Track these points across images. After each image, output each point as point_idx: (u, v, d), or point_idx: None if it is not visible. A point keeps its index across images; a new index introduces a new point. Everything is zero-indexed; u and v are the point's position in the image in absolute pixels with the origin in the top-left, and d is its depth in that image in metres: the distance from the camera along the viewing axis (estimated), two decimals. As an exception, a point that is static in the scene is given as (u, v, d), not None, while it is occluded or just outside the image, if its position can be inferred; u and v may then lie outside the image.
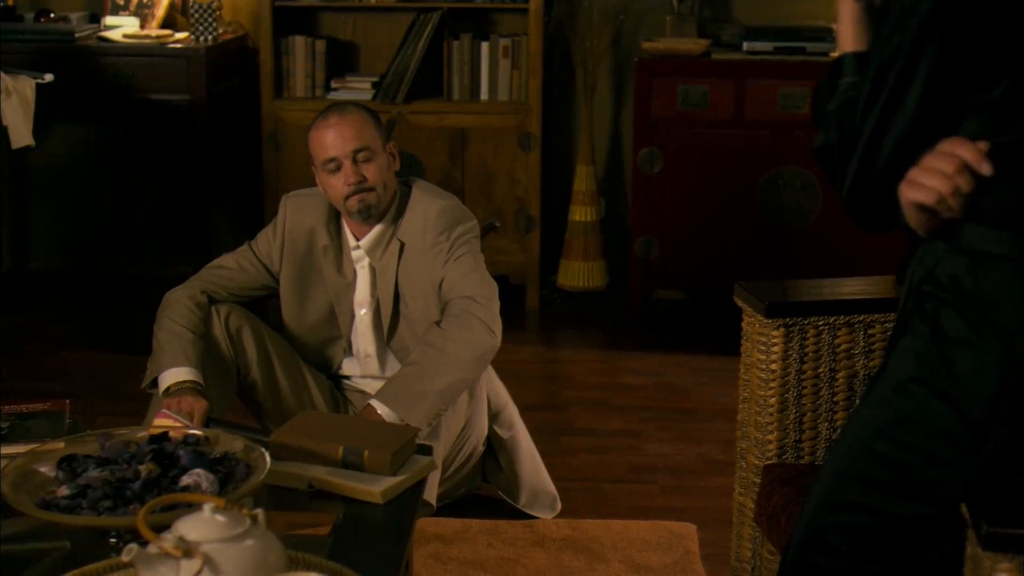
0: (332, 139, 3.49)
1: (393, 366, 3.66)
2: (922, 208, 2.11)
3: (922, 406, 2.23)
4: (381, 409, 3.32)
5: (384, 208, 3.57)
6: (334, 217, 3.61)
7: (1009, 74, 2.12)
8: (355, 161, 3.48)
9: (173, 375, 3.42)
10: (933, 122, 2.13)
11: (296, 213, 3.66)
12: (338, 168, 3.49)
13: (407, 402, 3.34)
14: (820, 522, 2.34)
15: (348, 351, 3.73)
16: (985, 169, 2.06)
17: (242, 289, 3.68)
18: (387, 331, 3.64)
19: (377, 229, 3.59)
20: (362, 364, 3.73)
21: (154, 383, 3.47)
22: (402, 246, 3.57)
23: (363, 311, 3.65)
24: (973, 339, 2.17)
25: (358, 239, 3.61)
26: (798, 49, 5.44)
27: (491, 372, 3.73)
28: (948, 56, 2.13)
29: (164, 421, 3.01)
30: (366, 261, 3.62)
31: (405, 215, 3.59)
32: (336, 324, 3.68)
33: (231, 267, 3.68)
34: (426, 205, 3.58)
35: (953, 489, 2.20)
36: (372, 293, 3.63)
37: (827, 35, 5.47)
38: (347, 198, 3.51)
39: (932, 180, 2.07)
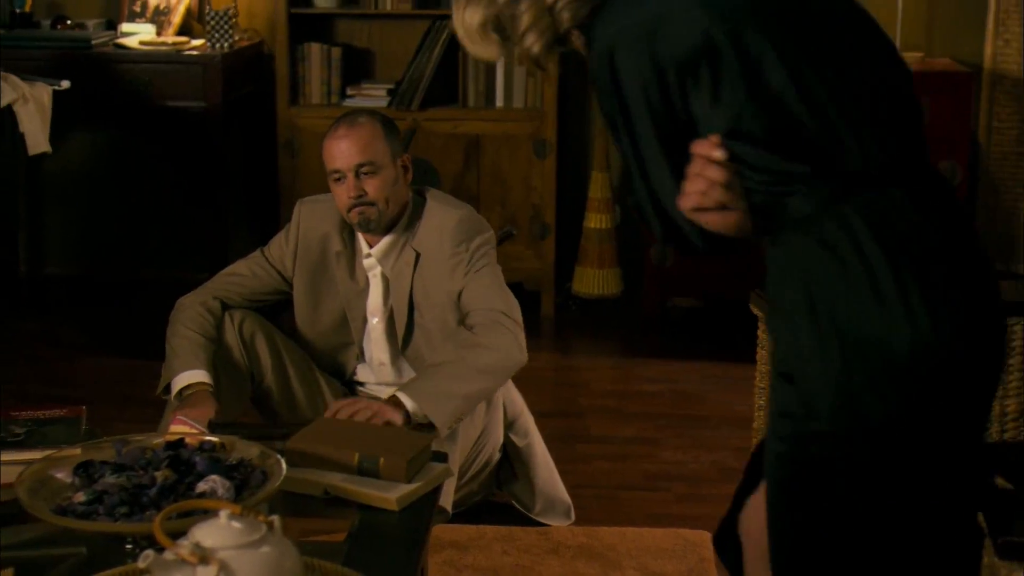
0: (338, 151, 3.50)
1: (408, 374, 3.66)
2: (709, 211, 2.13)
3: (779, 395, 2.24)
4: (407, 402, 3.30)
5: (388, 221, 3.57)
6: (347, 224, 3.62)
7: None
8: (358, 175, 3.49)
9: (186, 378, 3.44)
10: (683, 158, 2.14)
11: (310, 219, 3.67)
12: (341, 179, 3.51)
13: (433, 399, 3.32)
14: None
15: (361, 357, 3.73)
16: (717, 155, 2.09)
17: (255, 295, 3.69)
18: (401, 340, 3.64)
19: (389, 238, 3.59)
20: (376, 371, 3.73)
21: (168, 389, 3.48)
22: (417, 256, 3.57)
23: (375, 319, 3.65)
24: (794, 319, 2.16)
25: (370, 247, 3.61)
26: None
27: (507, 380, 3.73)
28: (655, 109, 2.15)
29: (180, 427, 3.02)
30: (378, 269, 3.62)
31: (420, 225, 3.59)
32: (349, 330, 3.69)
33: (243, 273, 3.70)
34: (442, 215, 3.58)
35: None
36: (385, 302, 3.63)
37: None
38: (348, 210, 3.53)
39: (691, 185, 2.11)
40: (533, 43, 2.23)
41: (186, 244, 6.05)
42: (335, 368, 3.75)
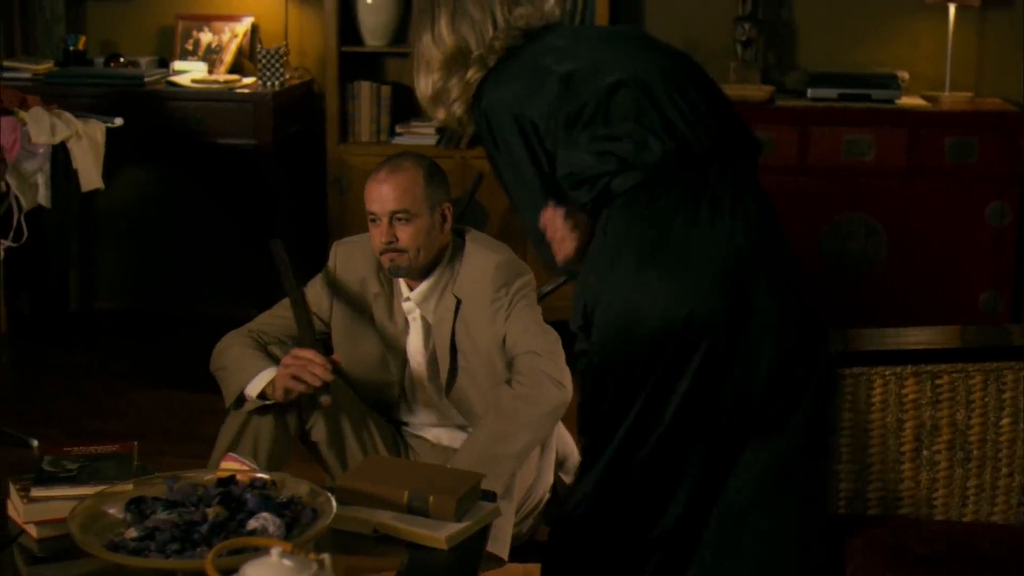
0: (376, 194, 3.49)
1: (451, 415, 3.64)
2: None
3: None
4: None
5: (420, 268, 3.54)
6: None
7: None
8: (392, 221, 3.47)
9: (266, 375, 3.43)
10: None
11: (346, 261, 3.66)
12: (376, 222, 3.50)
13: (483, 468, 3.25)
14: None
15: (403, 397, 3.71)
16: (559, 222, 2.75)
17: (292, 334, 3.66)
18: (445, 384, 3.62)
19: (428, 283, 3.57)
20: (418, 412, 3.71)
21: (239, 403, 3.47)
22: (458, 303, 3.55)
23: (417, 362, 3.64)
24: None
25: (410, 289, 3.60)
26: (863, 96, 5.43)
27: None
28: None
29: (231, 464, 3.02)
30: (418, 312, 3.59)
31: (460, 270, 3.56)
32: (389, 371, 3.66)
33: (281, 315, 3.68)
34: (483, 260, 3.56)
35: None
36: (426, 345, 3.61)
37: (892, 82, 5.46)
38: (380, 253, 3.52)
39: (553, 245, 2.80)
40: (457, 108, 2.87)
41: (236, 280, 6.09)
42: (379, 407, 3.74)
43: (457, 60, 2.83)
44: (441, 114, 2.91)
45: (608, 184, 2.66)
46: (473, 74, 2.82)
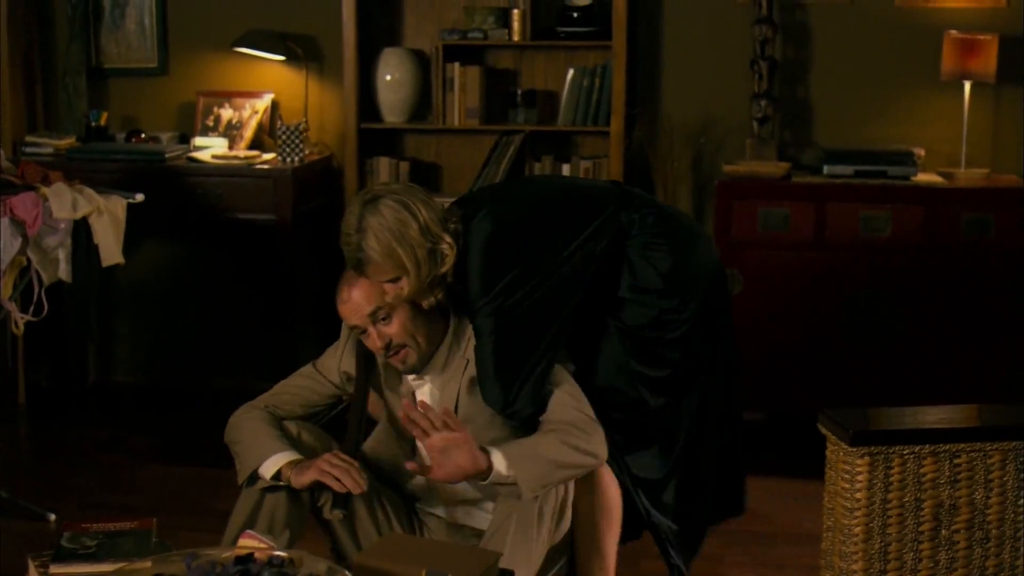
0: (348, 312, 3.43)
1: (462, 488, 3.59)
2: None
3: None
4: (496, 459, 3.23)
5: (429, 354, 3.49)
6: None
7: None
8: (376, 325, 3.41)
9: (281, 458, 3.37)
10: None
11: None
12: (366, 334, 3.44)
13: (519, 460, 3.23)
14: None
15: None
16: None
17: (307, 405, 3.63)
18: None
19: (438, 360, 3.52)
20: (432, 486, 3.66)
21: (252, 480, 3.45)
22: (467, 363, 3.51)
23: None
24: None
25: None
26: (879, 173, 5.45)
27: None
28: None
29: (249, 542, 3.03)
30: (427, 387, 3.57)
31: (467, 338, 3.52)
32: (398, 443, 3.63)
33: (296, 385, 3.66)
34: None
35: None
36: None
37: (908, 159, 5.48)
38: (387, 359, 3.47)
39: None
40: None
41: (255, 354, 6.11)
42: (394, 475, 3.69)
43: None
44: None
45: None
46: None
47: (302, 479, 3.34)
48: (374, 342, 3.43)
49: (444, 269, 3.38)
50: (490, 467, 3.23)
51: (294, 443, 3.49)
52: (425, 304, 3.45)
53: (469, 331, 3.51)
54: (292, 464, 3.37)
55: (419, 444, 3.53)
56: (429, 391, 3.57)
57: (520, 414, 3.38)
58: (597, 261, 3.50)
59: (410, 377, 3.56)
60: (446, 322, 3.54)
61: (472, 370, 3.50)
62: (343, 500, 3.36)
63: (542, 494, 3.31)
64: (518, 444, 3.32)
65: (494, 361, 3.37)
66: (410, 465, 3.34)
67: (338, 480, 3.30)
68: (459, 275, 3.41)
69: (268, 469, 3.38)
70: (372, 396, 3.64)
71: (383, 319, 3.41)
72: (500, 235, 3.40)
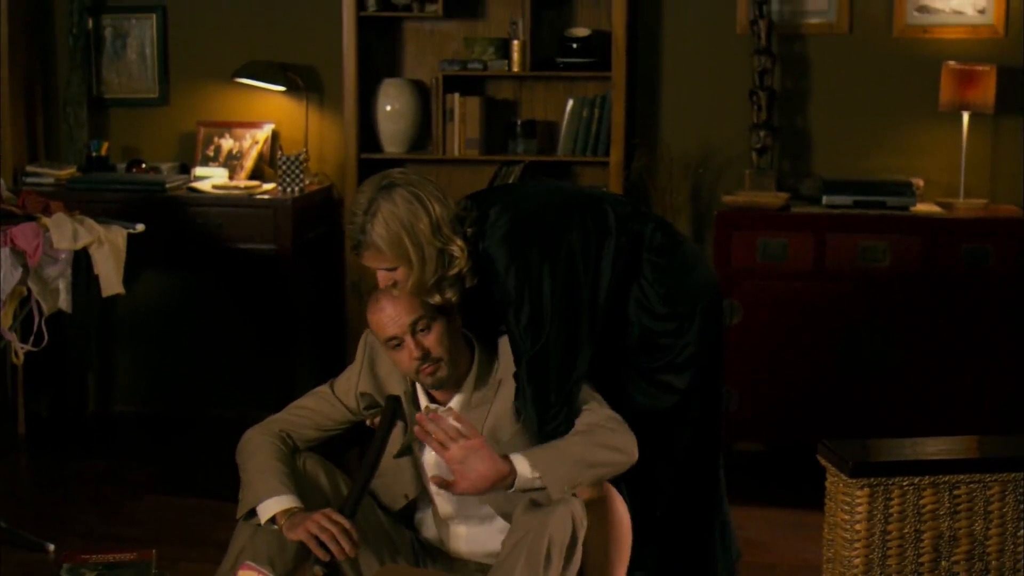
0: (386, 319, 3.39)
1: (470, 505, 3.56)
2: None
3: None
4: (519, 464, 3.20)
5: (461, 372, 3.46)
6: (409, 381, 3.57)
7: None
8: (415, 334, 3.38)
9: (277, 503, 3.34)
10: None
11: (374, 355, 3.61)
12: (399, 346, 3.40)
13: (545, 462, 3.20)
14: None
15: (417, 503, 3.64)
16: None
17: (322, 427, 3.60)
18: None
19: (461, 396, 3.48)
20: (436, 498, 3.63)
21: (250, 514, 3.43)
22: (492, 402, 3.46)
23: (430, 465, 3.53)
24: None
25: (440, 403, 3.51)
26: (878, 203, 5.46)
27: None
28: None
29: (247, 573, 3.03)
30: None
31: (499, 373, 3.48)
32: (405, 474, 3.61)
33: (310, 406, 3.64)
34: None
35: None
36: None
37: (907, 189, 5.50)
38: (417, 373, 3.42)
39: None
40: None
41: (255, 384, 6.11)
42: (397, 494, 3.65)
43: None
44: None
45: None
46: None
47: (292, 535, 3.30)
48: (410, 352, 3.38)
49: (453, 271, 3.34)
50: (513, 472, 3.20)
51: (300, 482, 3.46)
52: (444, 300, 3.39)
53: (497, 367, 3.48)
54: (287, 513, 3.34)
55: (426, 469, 3.53)
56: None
57: (554, 435, 3.32)
58: (618, 266, 3.45)
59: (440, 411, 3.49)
60: (471, 351, 3.51)
61: (499, 405, 3.47)
62: (326, 566, 3.31)
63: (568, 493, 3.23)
64: (540, 447, 3.28)
65: (533, 389, 3.34)
66: (433, 480, 3.31)
67: (323, 547, 3.25)
68: (480, 285, 3.38)
69: (264, 512, 3.36)
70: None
71: (422, 330, 3.39)
72: (521, 227, 3.36)
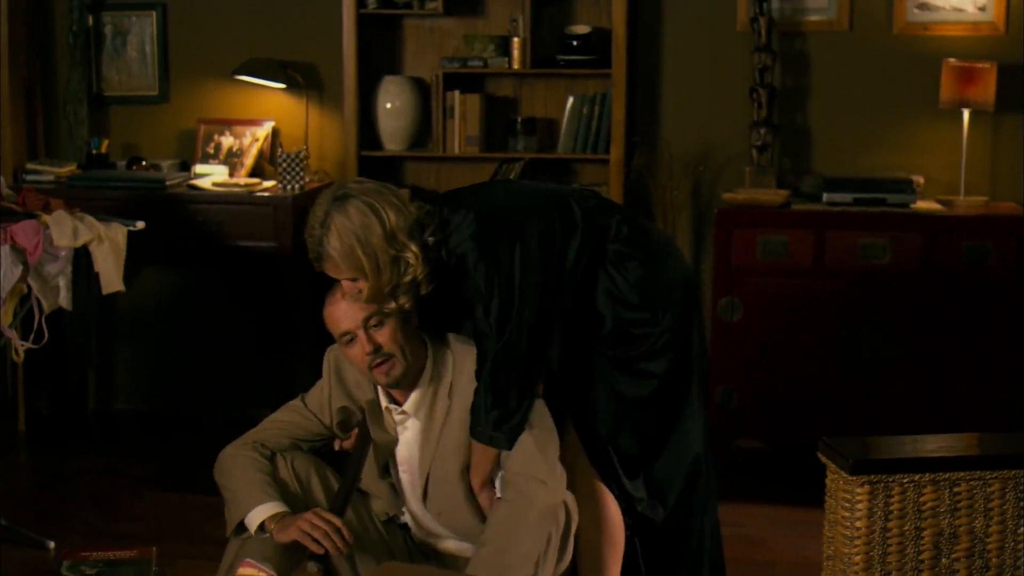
0: (340, 314, 3.41)
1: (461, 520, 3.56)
2: None
3: None
4: None
5: (413, 373, 3.45)
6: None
7: None
8: (367, 330, 3.37)
9: (264, 511, 3.36)
10: None
11: (339, 367, 3.61)
12: (352, 340, 3.40)
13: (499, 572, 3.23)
14: None
15: (405, 503, 3.64)
16: None
17: (296, 439, 3.60)
18: (422, 492, 3.53)
19: (418, 392, 3.48)
20: (414, 516, 3.64)
21: (239, 529, 3.43)
22: (449, 404, 3.46)
23: (404, 472, 3.56)
24: None
25: (399, 403, 3.50)
26: (878, 200, 5.46)
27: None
28: None
29: (248, 571, 3.03)
30: (410, 422, 3.51)
31: (451, 373, 3.47)
32: (386, 477, 3.60)
33: (283, 420, 3.62)
34: (471, 359, 3.48)
35: None
36: (414, 451, 3.52)
37: (907, 187, 5.50)
38: (370, 370, 3.42)
39: None
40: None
41: (255, 381, 6.11)
42: (377, 510, 3.65)
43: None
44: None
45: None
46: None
47: (283, 536, 3.32)
48: (362, 347, 3.39)
49: (407, 279, 3.33)
50: None
51: (284, 484, 3.47)
52: (398, 307, 3.38)
53: (450, 364, 3.48)
54: (275, 518, 3.35)
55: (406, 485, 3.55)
56: (412, 427, 3.51)
57: (498, 444, 3.36)
58: (582, 260, 3.44)
59: (396, 417, 3.51)
60: (425, 349, 3.50)
61: (455, 408, 3.46)
62: (321, 556, 3.32)
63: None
64: (480, 567, 3.26)
65: (493, 397, 3.35)
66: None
67: (317, 542, 3.27)
68: (442, 287, 3.39)
69: (252, 521, 3.37)
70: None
71: (375, 325, 3.39)
72: (488, 223, 3.36)
